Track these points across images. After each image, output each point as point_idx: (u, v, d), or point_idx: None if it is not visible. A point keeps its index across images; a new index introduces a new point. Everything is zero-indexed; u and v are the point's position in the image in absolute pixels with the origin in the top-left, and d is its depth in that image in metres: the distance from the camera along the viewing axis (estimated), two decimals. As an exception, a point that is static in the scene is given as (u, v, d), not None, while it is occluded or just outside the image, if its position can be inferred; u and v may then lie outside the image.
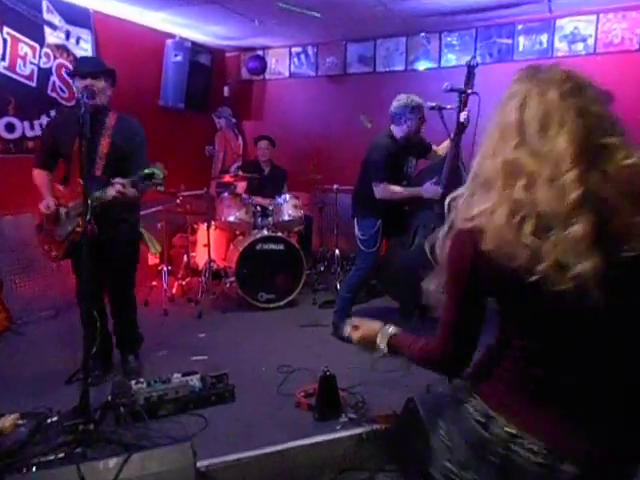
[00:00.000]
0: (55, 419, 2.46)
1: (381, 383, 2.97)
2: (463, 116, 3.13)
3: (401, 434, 2.25)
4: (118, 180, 2.61)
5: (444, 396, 2.25)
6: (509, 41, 5.03)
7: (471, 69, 3.16)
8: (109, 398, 2.62)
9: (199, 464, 2.03)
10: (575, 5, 4.55)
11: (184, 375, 2.79)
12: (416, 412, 2.13)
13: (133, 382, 2.70)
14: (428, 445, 2.06)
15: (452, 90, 2.79)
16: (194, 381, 2.74)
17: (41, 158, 2.96)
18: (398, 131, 3.49)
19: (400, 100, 3.44)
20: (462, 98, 2.83)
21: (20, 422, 2.41)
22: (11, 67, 3.94)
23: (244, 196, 4.78)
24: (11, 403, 2.67)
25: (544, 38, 4.89)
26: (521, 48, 4.99)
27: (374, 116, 4.94)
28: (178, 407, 2.63)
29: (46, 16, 4.17)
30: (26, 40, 4.02)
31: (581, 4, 4.52)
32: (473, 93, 2.62)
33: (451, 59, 5.28)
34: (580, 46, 4.75)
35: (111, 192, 2.60)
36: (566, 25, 4.78)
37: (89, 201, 2.40)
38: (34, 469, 2.01)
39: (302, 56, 6.00)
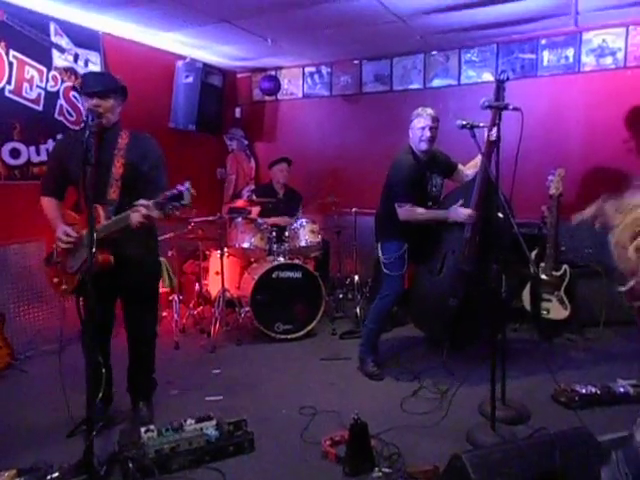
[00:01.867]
0: (56, 475, 2.21)
1: (415, 428, 2.69)
2: (493, 135, 2.91)
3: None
4: (142, 202, 2.33)
5: (494, 452, 2.00)
6: (533, 56, 4.83)
7: (500, 83, 2.96)
8: (116, 449, 2.38)
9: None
10: (602, 18, 4.35)
11: (198, 421, 2.53)
12: (465, 473, 1.87)
13: (143, 430, 2.45)
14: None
15: (490, 107, 2.57)
16: (209, 429, 2.48)
17: (49, 185, 2.74)
18: (412, 143, 3.31)
19: (413, 113, 3.32)
20: (497, 115, 2.61)
21: (17, 480, 2.17)
22: (17, 91, 3.79)
23: (259, 221, 4.56)
24: (8, 456, 2.43)
25: (570, 52, 4.68)
26: (545, 63, 4.79)
27: (393, 136, 4.73)
28: (192, 460, 2.36)
29: (54, 39, 4.04)
30: (33, 63, 3.88)
31: (609, 17, 4.32)
32: (515, 109, 2.39)
33: (471, 76, 5.09)
34: (609, 60, 4.54)
35: (137, 218, 2.35)
36: (593, 38, 4.57)
37: (102, 227, 2.18)
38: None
39: (316, 76, 5.84)
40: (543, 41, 4.78)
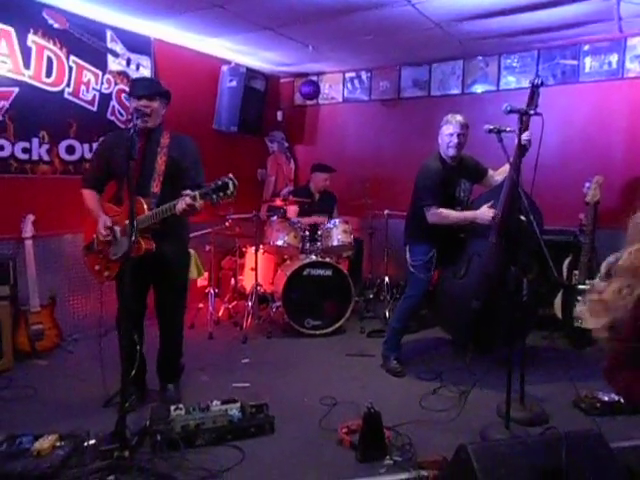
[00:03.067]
0: (92, 442, 2.42)
1: (431, 423, 2.76)
2: (525, 138, 2.94)
3: (451, 484, 2.04)
4: (188, 192, 2.56)
5: (500, 445, 2.05)
6: (574, 62, 4.77)
7: (535, 88, 2.97)
8: (147, 424, 2.57)
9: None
10: (648, 23, 4.27)
11: (224, 403, 2.69)
12: (468, 462, 1.93)
13: (172, 408, 2.63)
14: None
15: (512, 111, 2.61)
16: (233, 410, 2.64)
17: (91, 179, 2.96)
18: (441, 150, 3.38)
19: (443, 119, 3.39)
20: (523, 119, 2.65)
21: (58, 444, 2.39)
22: (75, 93, 4.10)
23: (293, 220, 4.72)
24: (53, 420, 2.68)
25: (613, 58, 4.61)
26: (587, 69, 4.72)
27: (429, 140, 4.77)
28: (215, 437, 2.53)
29: (109, 44, 4.35)
30: (90, 67, 4.19)
31: (655, 22, 4.24)
32: (536, 114, 2.43)
33: (511, 81, 5.08)
34: (654, 66, 4.45)
35: (181, 205, 2.55)
36: (638, 44, 4.49)
37: (146, 217, 2.41)
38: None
39: (356, 81, 5.97)
40: (586, 47, 4.72)
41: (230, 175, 2.46)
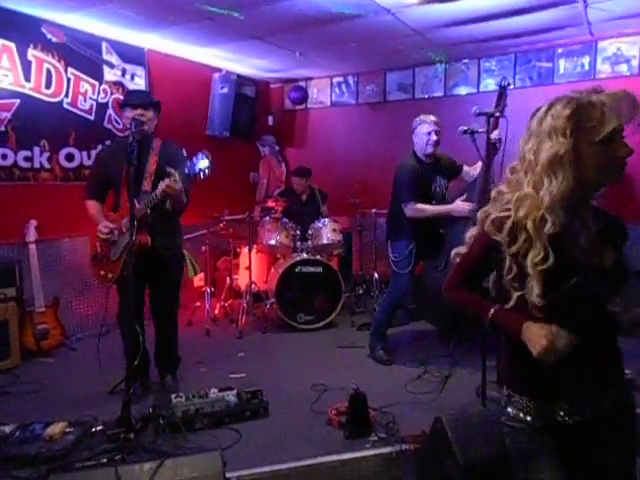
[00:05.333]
0: (100, 428, 2.61)
1: (414, 404, 2.97)
2: (493, 137, 3.14)
3: (428, 454, 2.25)
4: (169, 170, 2.77)
5: (473, 417, 2.26)
6: (549, 64, 5.02)
7: (502, 90, 3.17)
8: (150, 410, 2.76)
9: (230, 474, 2.10)
10: (616, 27, 4.51)
11: (221, 390, 2.89)
12: (443, 432, 2.14)
13: (173, 395, 2.83)
14: (456, 465, 2.06)
15: (480, 114, 2.83)
16: (230, 396, 2.84)
17: (92, 189, 3.17)
18: (416, 149, 3.61)
19: (415, 120, 3.61)
20: (491, 121, 2.86)
21: (68, 429, 2.58)
22: (73, 103, 4.30)
23: (284, 220, 4.92)
24: (61, 412, 2.86)
25: (586, 60, 4.86)
26: (562, 71, 4.97)
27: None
28: (214, 421, 2.73)
29: (105, 56, 4.55)
30: (87, 78, 4.39)
31: (622, 26, 4.47)
32: (501, 116, 2.65)
33: (489, 84, 5.32)
34: (624, 67, 4.69)
35: (161, 186, 2.75)
36: (608, 47, 4.74)
37: (137, 209, 2.61)
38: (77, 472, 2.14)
39: (343, 85, 6.19)
40: (559, 50, 4.97)
41: (204, 152, 2.70)
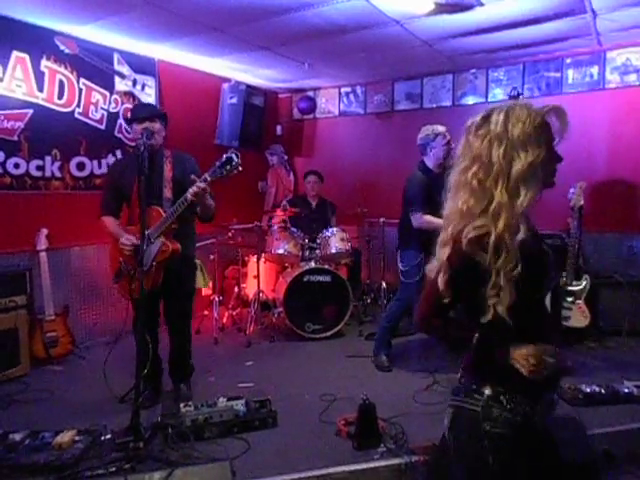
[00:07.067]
0: (109, 436, 2.62)
1: (423, 415, 2.95)
2: None
3: (438, 465, 2.23)
4: (193, 177, 2.81)
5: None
6: (558, 74, 5.02)
7: (512, 99, 3.21)
8: (159, 419, 2.76)
9: (239, 484, 2.11)
10: (625, 38, 4.51)
11: (229, 400, 2.89)
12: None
13: (182, 405, 2.83)
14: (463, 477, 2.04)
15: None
16: (239, 406, 2.84)
17: (107, 205, 3.17)
18: (428, 161, 3.64)
19: (423, 132, 3.64)
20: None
21: (77, 438, 2.59)
22: (84, 112, 4.35)
23: (292, 229, 4.93)
24: (70, 420, 2.87)
25: (594, 70, 4.85)
26: (570, 81, 4.97)
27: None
28: (222, 430, 2.72)
29: (116, 67, 4.60)
30: (98, 89, 4.45)
31: (631, 36, 4.48)
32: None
33: (497, 93, 5.32)
34: (633, 77, 4.67)
35: (194, 190, 2.78)
36: (617, 57, 4.73)
37: (164, 218, 2.74)
38: (87, 480, 2.15)
39: (351, 95, 6.22)
40: (568, 60, 4.96)
41: (232, 150, 2.74)
